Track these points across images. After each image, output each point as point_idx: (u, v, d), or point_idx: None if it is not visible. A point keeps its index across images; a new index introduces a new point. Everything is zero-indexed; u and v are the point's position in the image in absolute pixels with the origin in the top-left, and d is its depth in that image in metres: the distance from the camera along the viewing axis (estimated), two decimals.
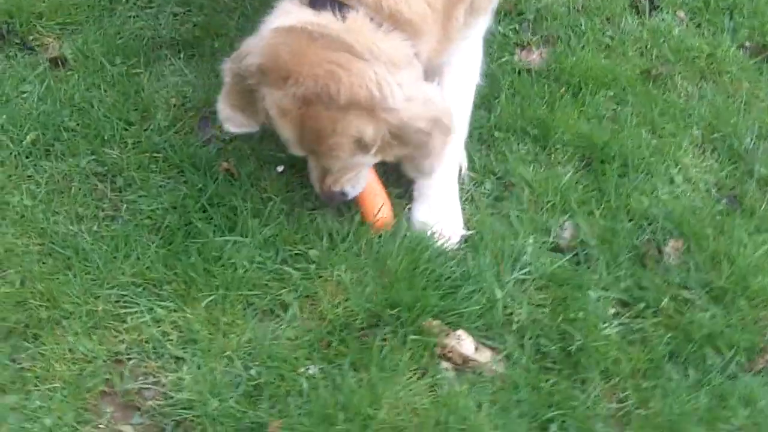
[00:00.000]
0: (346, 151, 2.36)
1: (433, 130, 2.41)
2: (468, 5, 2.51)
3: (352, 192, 2.55)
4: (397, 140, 2.38)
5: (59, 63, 2.93)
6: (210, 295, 2.40)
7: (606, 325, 2.52)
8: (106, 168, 2.68)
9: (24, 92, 2.83)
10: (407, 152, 2.44)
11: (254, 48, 2.35)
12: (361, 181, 2.56)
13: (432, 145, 2.44)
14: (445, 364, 2.42)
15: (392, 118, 2.31)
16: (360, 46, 2.27)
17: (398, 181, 2.75)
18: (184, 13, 3.23)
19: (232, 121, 2.48)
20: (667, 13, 3.66)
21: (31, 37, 3.01)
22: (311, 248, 2.57)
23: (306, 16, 2.30)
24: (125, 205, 2.60)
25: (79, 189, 2.62)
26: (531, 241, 2.69)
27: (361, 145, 2.35)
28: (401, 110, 2.31)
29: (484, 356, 2.45)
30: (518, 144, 2.99)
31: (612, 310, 2.59)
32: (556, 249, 2.72)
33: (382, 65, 2.28)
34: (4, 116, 2.71)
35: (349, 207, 2.63)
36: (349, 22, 2.28)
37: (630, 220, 2.80)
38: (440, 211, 2.70)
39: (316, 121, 2.28)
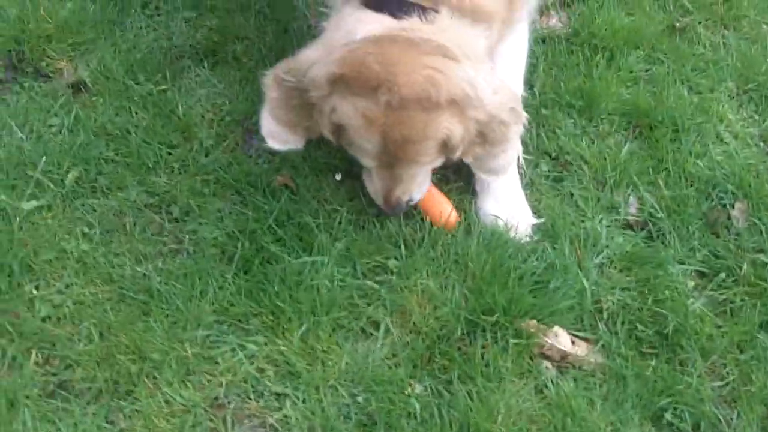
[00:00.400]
0: (431, 154, 2.30)
1: (512, 121, 2.34)
2: None
3: (417, 197, 2.47)
4: (481, 137, 2.32)
5: (80, 88, 2.74)
6: (301, 324, 2.29)
7: (692, 301, 2.48)
8: (157, 198, 2.53)
9: (52, 125, 2.64)
10: (486, 150, 2.35)
11: (321, 59, 2.23)
12: (427, 185, 2.48)
13: (509, 137, 2.37)
14: (545, 363, 2.36)
15: (481, 114, 2.25)
16: (452, 46, 2.20)
17: (456, 176, 2.67)
18: (196, 18, 3.05)
19: (278, 137, 2.40)
20: None
21: (43, 63, 2.81)
22: (389, 258, 2.47)
23: (388, 23, 2.20)
24: (187, 236, 2.46)
25: (135, 224, 2.47)
26: (602, 221, 2.63)
27: (447, 147, 2.28)
28: (489, 103, 2.25)
29: (582, 349, 2.40)
30: (565, 119, 2.91)
31: (691, 283, 2.55)
32: (627, 226, 2.67)
33: (471, 63, 2.22)
34: (43, 157, 2.52)
35: (413, 211, 2.53)
36: (437, 24, 2.21)
37: (691, 185, 2.76)
38: (508, 203, 2.63)
39: (407, 127, 2.20)
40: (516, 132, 2.41)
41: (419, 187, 2.44)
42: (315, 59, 2.24)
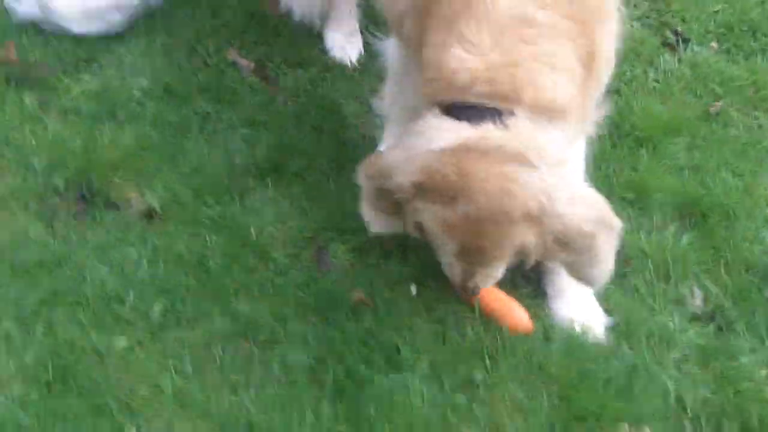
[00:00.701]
0: (506, 260, 2.34)
1: (598, 231, 2.33)
2: (596, 81, 2.47)
3: (492, 284, 2.49)
4: (561, 246, 2.32)
5: (151, 215, 2.80)
6: None
7: None
8: (242, 324, 2.57)
9: (131, 257, 2.69)
10: (571, 258, 2.38)
11: (403, 165, 2.30)
12: (499, 275, 2.51)
13: (598, 248, 2.35)
14: None
15: (557, 224, 2.26)
16: (527, 151, 2.23)
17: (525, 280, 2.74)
18: (252, 135, 3.11)
19: (377, 223, 2.49)
20: (699, 44, 3.72)
21: (113, 193, 2.87)
22: (474, 369, 2.52)
23: (465, 131, 2.25)
24: (276, 363, 2.50)
25: (223, 353, 2.51)
26: (672, 315, 2.70)
27: (522, 254, 2.32)
28: (565, 214, 2.26)
29: None
30: (619, 213, 2.97)
31: (764, 372, 2.61)
32: (695, 318, 2.73)
33: (548, 169, 2.25)
34: (129, 291, 2.57)
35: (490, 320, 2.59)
36: (511, 129, 2.23)
37: (750, 272, 2.84)
38: (580, 304, 2.69)
39: (483, 236, 2.26)
40: (605, 243, 2.35)
41: (495, 277, 2.46)
42: (397, 164, 2.31)
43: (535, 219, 2.23)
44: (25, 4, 3.33)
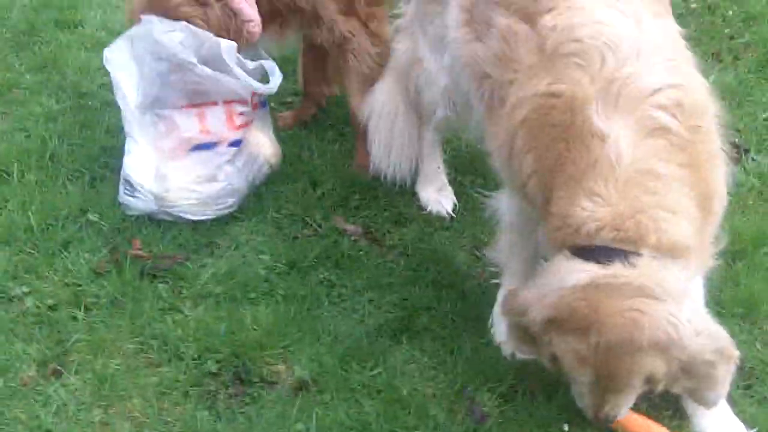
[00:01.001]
0: (636, 388, 2.52)
1: (718, 360, 2.54)
2: (712, 219, 2.69)
3: (622, 414, 2.65)
4: (685, 374, 2.53)
5: (304, 387, 2.96)
6: None
7: None
8: None
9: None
10: (692, 385, 2.57)
11: (536, 303, 2.54)
12: (630, 403, 2.68)
13: (717, 376, 2.56)
14: None
15: (683, 354, 2.46)
16: (654, 287, 2.44)
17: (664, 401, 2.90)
18: (376, 296, 3.32)
19: (520, 351, 2.82)
20: (757, 153, 3.99)
21: (264, 371, 3.04)
22: None
23: (595, 270, 2.47)
24: None
25: None
26: None
27: (651, 382, 2.51)
28: (691, 345, 2.47)
29: None
30: (733, 328, 3.17)
31: None
32: None
33: (673, 302, 2.46)
34: None
35: None
36: (638, 268, 2.46)
37: None
38: (720, 418, 2.85)
39: (613, 366, 2.45)
40: (724, 370, 2.57)
41: (626, 406, 2.62)
42: (531, 302, 2.56)
43: (663, 349, 2.44)
44: (140, 198, 3.55)
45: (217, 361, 3.06)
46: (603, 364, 2.46)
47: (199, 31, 3.43)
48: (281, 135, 3.96)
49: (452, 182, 3.82)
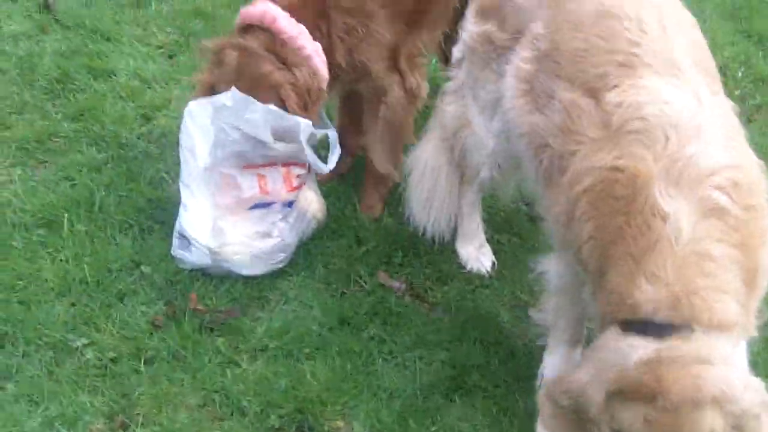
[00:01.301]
0: None
1: (763, 413, 2.70)
2: (757, 293, 2.88)
3: None
4: (736, 428, 2.68)
5: None
6: None
7: None
8: None
9: None
10: None
11: (595, 380, 2.68)
12: None
13: (762, 427, 2.71)
14: None
15: (736, 408, 2.64)
16: (707, 355, 2.63)
17: None
18: (425, 353, 3.46)
19: None
20: None
21: (326, 426, 3.16)
22: None
23: (654, 345, 2.64)
24: None
25: None
26: None
27: None
28: (742, 399, 2.65)
29: None
30: None
31: None
32: None
33: (725, 365, 2.65)
34: None
35: None
36: (693, 341, 2.64)
37: None
38: None
39: (679, 425, 2.60)
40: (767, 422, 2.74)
41: None
42: (588, 380, 2.70)
43: (719, 405, 2.62)
44: (195, 253, 3.66)
45: (280, 416, 3.19)
46: (670, 424, 2.61)
47: (281, 111, 3.54)
48: (323, 189, 4.09)
49: (489, 240, 3.97)
